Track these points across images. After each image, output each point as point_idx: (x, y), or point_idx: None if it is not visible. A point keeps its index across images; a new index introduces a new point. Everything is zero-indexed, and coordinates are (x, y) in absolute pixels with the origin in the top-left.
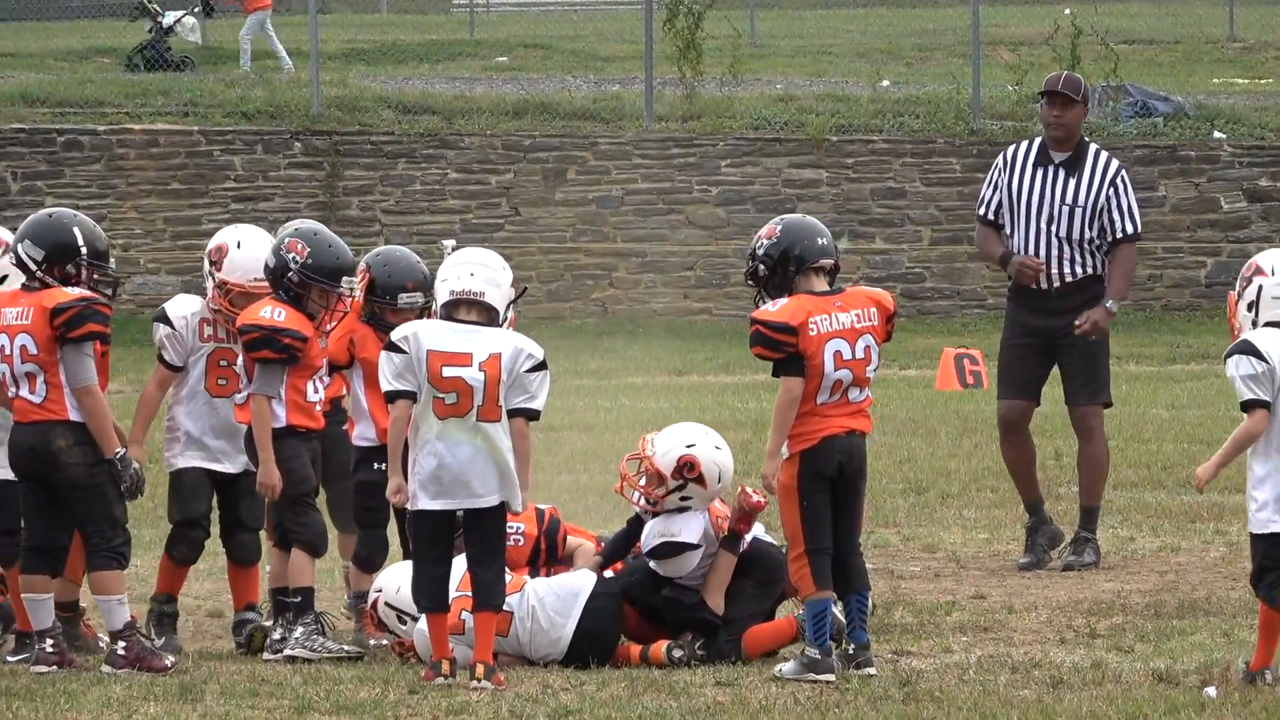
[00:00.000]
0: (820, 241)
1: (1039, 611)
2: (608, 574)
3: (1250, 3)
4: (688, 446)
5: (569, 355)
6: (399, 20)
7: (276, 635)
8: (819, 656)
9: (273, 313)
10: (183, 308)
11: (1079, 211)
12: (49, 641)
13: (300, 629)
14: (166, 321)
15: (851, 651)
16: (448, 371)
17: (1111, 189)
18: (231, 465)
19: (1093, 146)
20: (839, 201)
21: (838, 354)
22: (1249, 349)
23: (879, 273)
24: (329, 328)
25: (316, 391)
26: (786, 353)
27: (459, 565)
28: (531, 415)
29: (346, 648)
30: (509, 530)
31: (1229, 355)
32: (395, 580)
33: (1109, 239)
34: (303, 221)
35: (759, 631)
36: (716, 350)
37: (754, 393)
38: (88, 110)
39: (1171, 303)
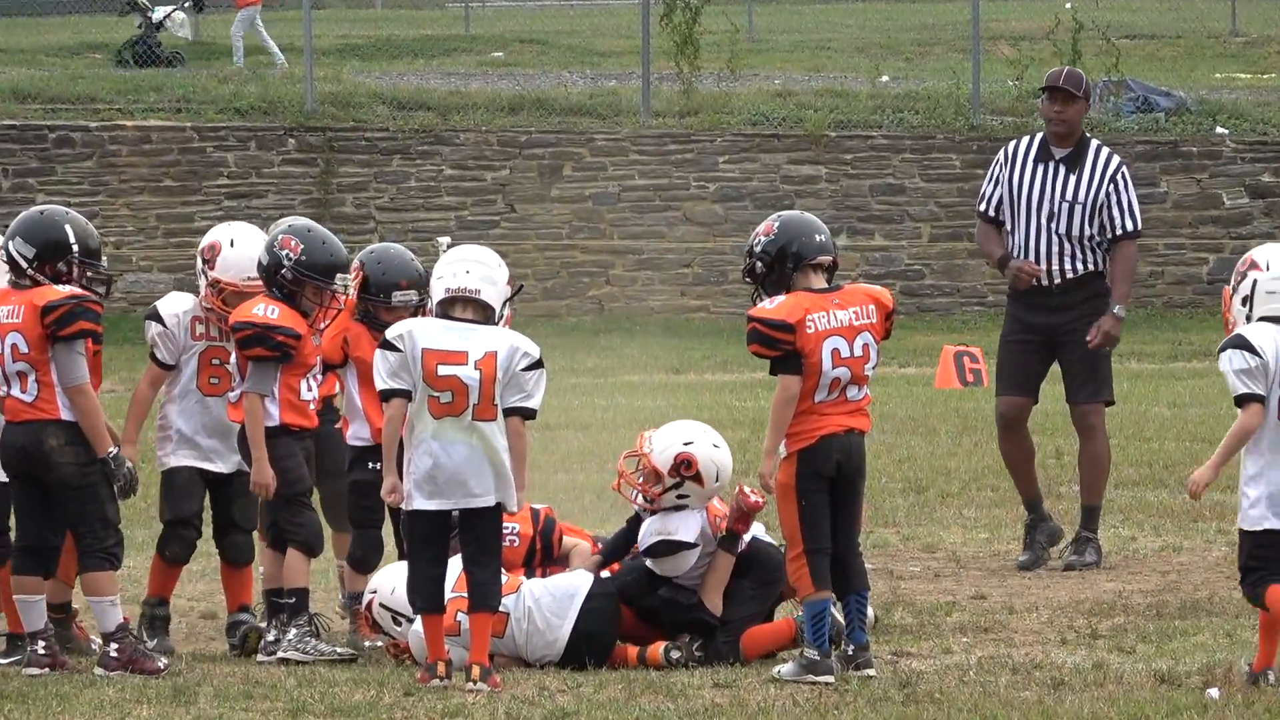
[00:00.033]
0: (818, 238)
1: (1040, 612)
2: (604, 574)
3: None
4: (685, 444)
5: (565, 353)
6: (393, 15)
7: (271, 637)
8: (818, 658)
9: (266, 310)
10: (175, 305)
11: (1079, 208)
12: (41, 643)
13: (294, 631)
14: (158, 319)
15: (851, 652)
16: (443, 370)
17: (1112, 185)
18: (224, 465)
19: (1094, 142)
20: (838, 198)
21: (835, 352)
22: (1242, 343)
23: (878, 270)
24: (323, 326)
25: (310, 390)
26: (784, 350)
27: (455, 566)
28: (528, 414)
29: (339, 649)
30: (504, 530)
31: (1222, 350)
32: (390, 581)
33: (1109, 236)
34: (296, 218)
35: (757, 633)
36: (714, 348)
37: (752, 391)
38: (79, 106)
39: (1173, 300)
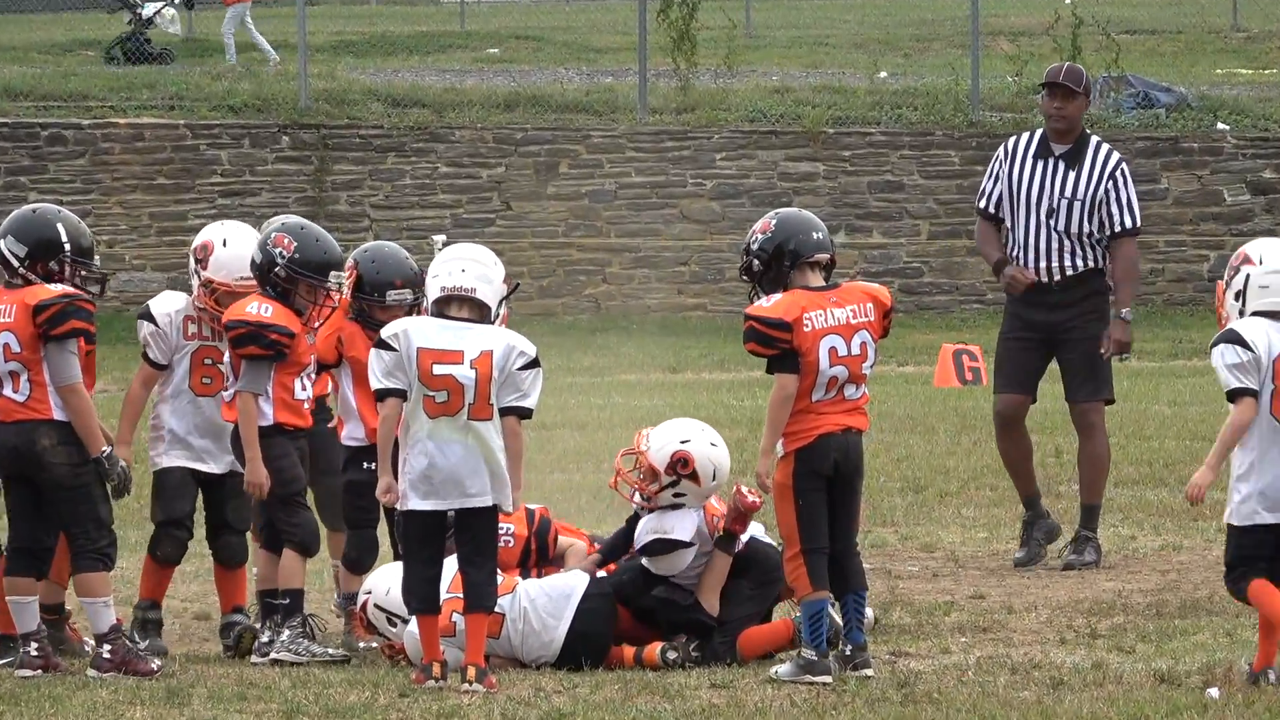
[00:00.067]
0: (815, 236)
1: (1039, 611)
2: (601, 573)
3: None
4: (682, 442)
5: (561, 352)
6: (388, 11)
7: (265, 638)
8: (815, 658)
9: (259, 308)
10: (167, 305)
11: (1078, 204)
12: (34, 645)
13: (287, 632)
14: (150, 319)
15: (848, 652)
16: (438, 369)
17: (1111, 182)
18: (216, 465)
19: (1094, 139)
20: (836, 195)
21: (833, 350)
22: (1234, 338)
23: (876, 267)
24: (317, 324)
25: (305, 389)
26: (780, 349)
27: (450, 566)
28: (524, 414)
29: (331, 651)
30: (499, 531)
31: (1215, 345)
32: (385, 582)
33: (1108, 233)
34: (289, 217)
35: (754, 633)
36: (711, 347)
37: (749, 390)
38: (71, 104)
39: (1173, 297)
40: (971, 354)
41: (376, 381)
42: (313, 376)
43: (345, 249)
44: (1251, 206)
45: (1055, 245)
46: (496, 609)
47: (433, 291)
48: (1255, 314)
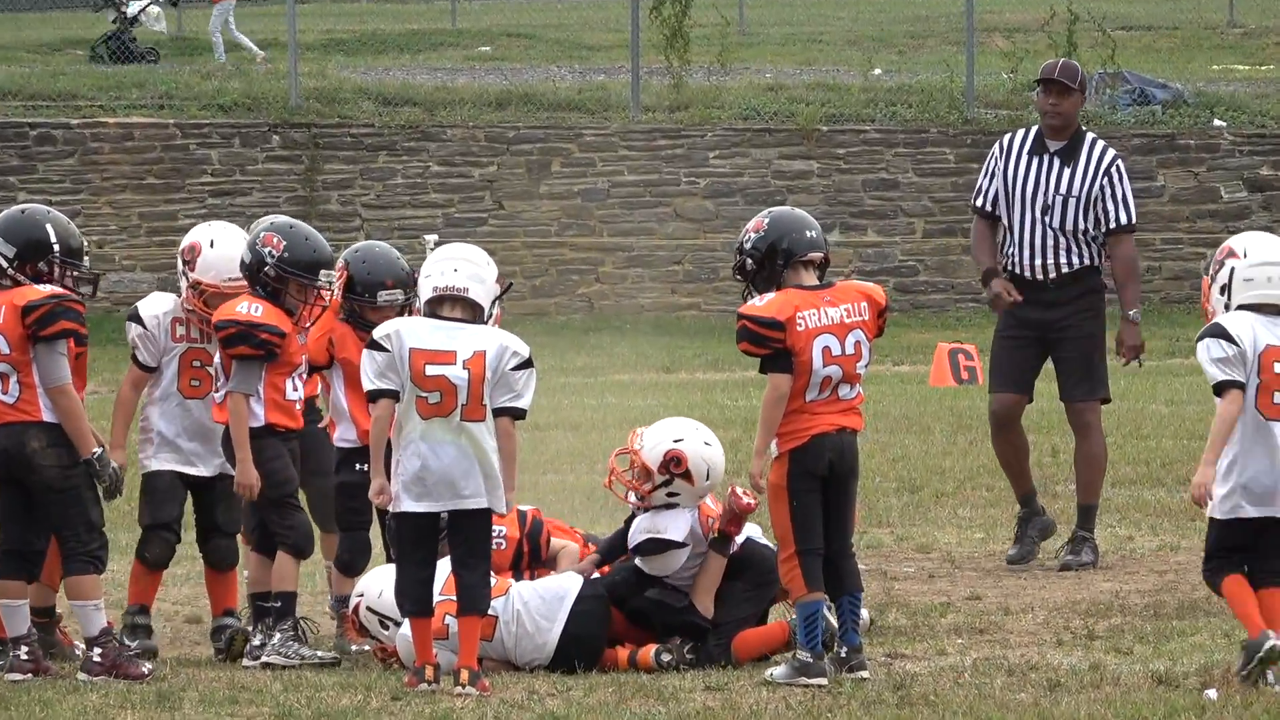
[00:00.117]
0: (809, 234)
1: (1036, 613)
2: (595, 575)
3: None
4: (675, 441)
5: (555, 352)
6: (378, 9)
7: (256, 641)
8: (811, 660)
9: (249, 308)
10: (155, 307)
11: (1073, 201)
12: (24, 648)
13: (278, 635)
14: (139, 321)
15: (844, 654)
16: (431, 370)
17: (1107, 179)
18: (205, 468)
19: (1089, 135)
20: (830, 193)
21: (826, 350)
22: (1220, 332)
23: (871, 266)
24: (308, 324)
25: (296, 390)
26: (773, 348)
27: (443, 568)
28: (517, 414)
29: (321, 654)
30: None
31: (1200, 339)
32: (377, 584)
33: (1104, 229)
34: (277, 216)
35: (749, 636)
36: (705, 346)
37: (743, 390)
38: (60, 103)
39: (1170, 295)
40: (967, 353)
41: (369, 382)
42: (304, 377)
43: (336, 249)
44: (1249, 203)
45: (1051, 242)
46: (490, 611)
47: (425, 292)
48: (1240, 308)
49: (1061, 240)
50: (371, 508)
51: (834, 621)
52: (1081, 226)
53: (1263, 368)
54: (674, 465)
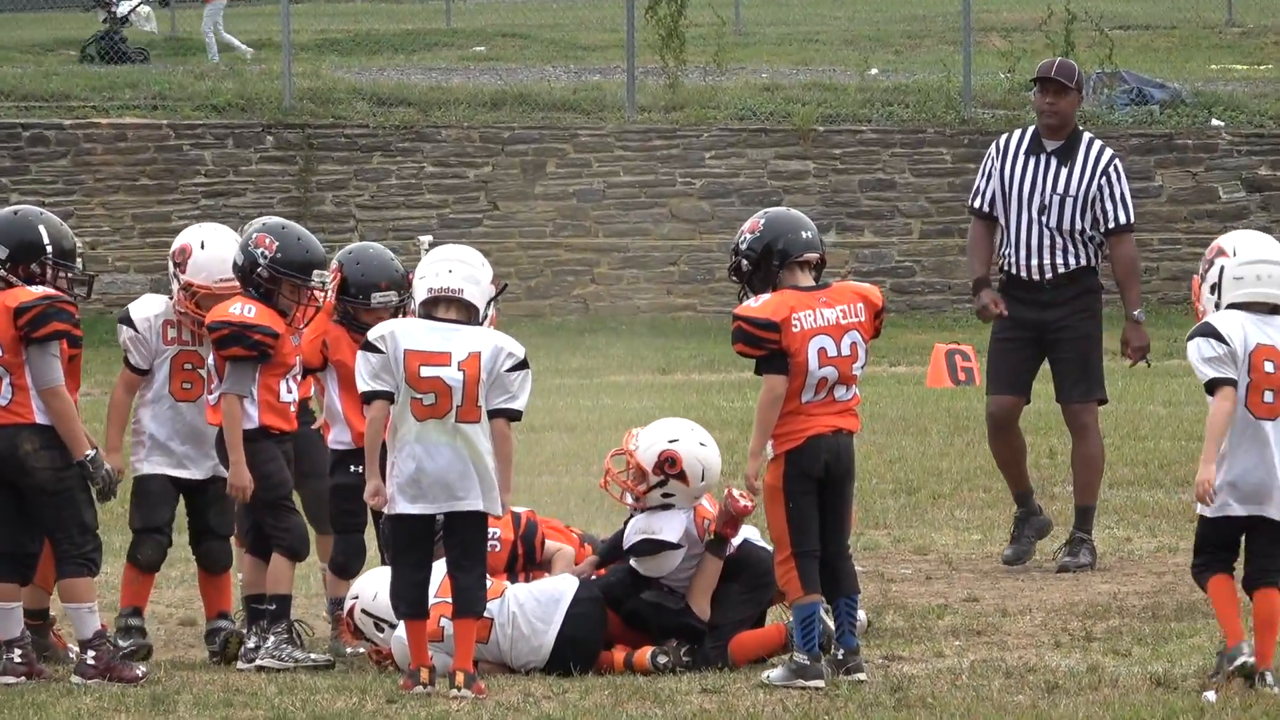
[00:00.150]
0: (805, 235)
1: (1033, 614)
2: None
3: None
4: (670, 441)
5: (550, 354)
6: (373, 9)
7: (250, 644)
8: (807, 662)
9: (243, 309)
10: (146, 309)
11: (1070, 201)
12: (17, 651)
13: (272, 638)
14: (130, 324)
15: (841, 656)
16: (426, 371)
17: (1104, 179)
18: (198, 471)
19: (1086, 135)
20: (826, 193)
21: (822, 351)
22: (1210, 331)
23: (868, 266)
24: (302, 325)
25: (290, 392)
26: (769, 350)
27: (438, 571)
28: (513, 416)
29: (315, 656)
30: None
31: (1190, 338)
32: (372, 586)
33: (1101, 229)
34: (270, 217)
35: (746, 638)
36: (701, 347)
37: (739, 391)
38: (53, 104)
39: (1168, 296)
40: (964, 354)
41: (363, 384)
42: (298, 379)
43: (330, 250)
44: (1247, 203)
45: (1047, 242)
46: (485, 614)
47: (420, 293)
48: (1231, 306)
49: (1058, 240)
50: (366, 510)
51: (831, 623)
52: (1079, 226)
53: (1253, 366)
54: (669, 466)
